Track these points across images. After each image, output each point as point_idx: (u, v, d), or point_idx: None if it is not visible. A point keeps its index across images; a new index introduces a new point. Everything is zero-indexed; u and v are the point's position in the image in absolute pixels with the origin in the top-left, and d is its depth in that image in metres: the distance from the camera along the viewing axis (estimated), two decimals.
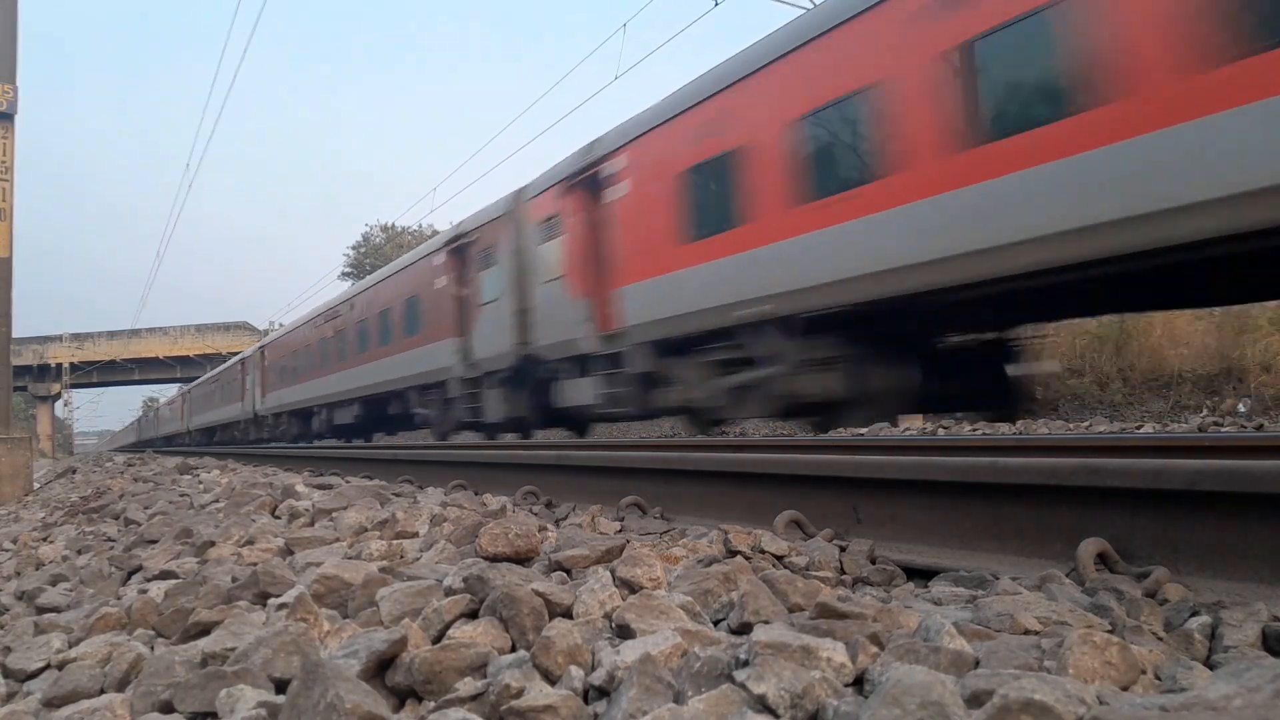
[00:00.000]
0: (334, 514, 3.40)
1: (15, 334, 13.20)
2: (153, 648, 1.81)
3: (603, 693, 1.29)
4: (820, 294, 7.68)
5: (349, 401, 19.76)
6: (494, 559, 2.14)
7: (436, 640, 1.58)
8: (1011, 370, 8.91)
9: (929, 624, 1.41)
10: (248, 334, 49.61)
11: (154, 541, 3.45)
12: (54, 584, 2.84)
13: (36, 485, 13.08)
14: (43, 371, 51.71)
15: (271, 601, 1.91)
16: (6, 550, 4.51)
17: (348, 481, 5.51)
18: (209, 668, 1.48)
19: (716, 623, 1.68)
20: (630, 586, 1.84)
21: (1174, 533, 1.92)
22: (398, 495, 4.54)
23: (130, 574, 2.87)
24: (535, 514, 3.77)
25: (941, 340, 9.01)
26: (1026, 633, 1.50)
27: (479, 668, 1.40)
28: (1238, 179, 4.93)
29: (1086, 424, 11.49)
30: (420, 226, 42.93)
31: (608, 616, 1.64)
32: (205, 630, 1.79)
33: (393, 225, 50.80)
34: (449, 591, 1.82)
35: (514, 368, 12.60)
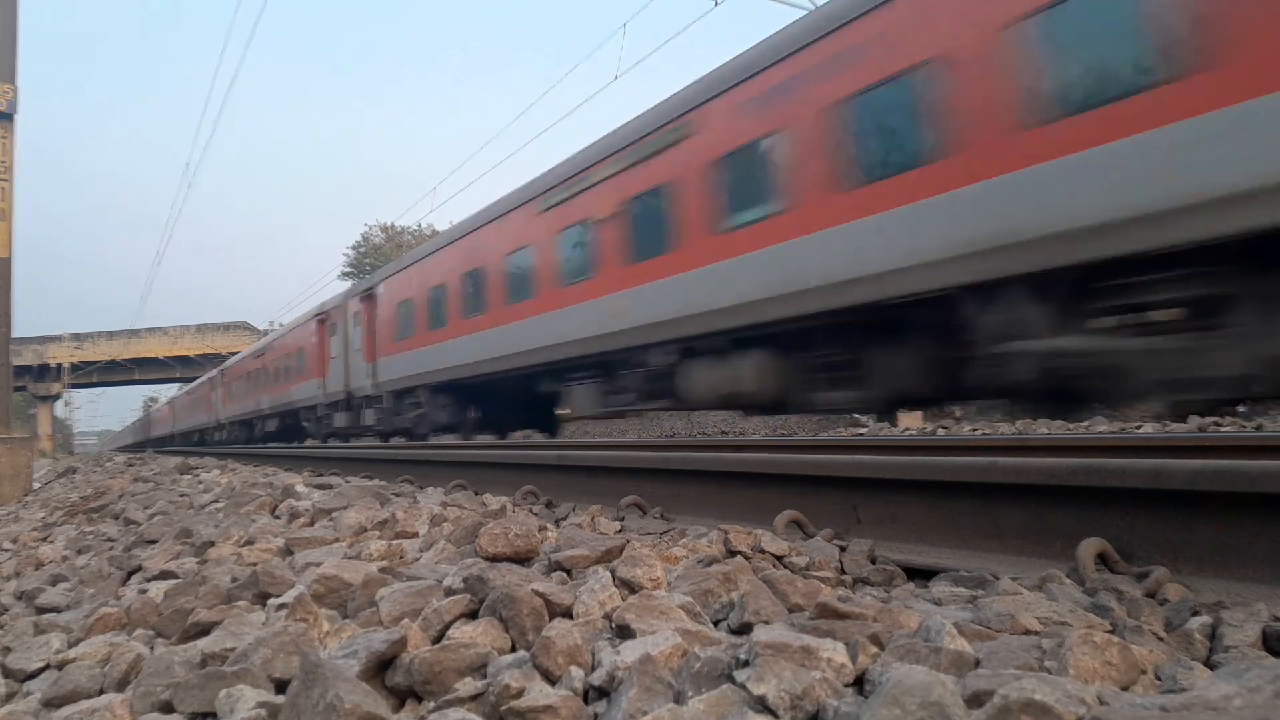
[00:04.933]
0: (334, 514, 3.40)
1: (15, 334, 13.20)
2: (152, 648, 1.81)
3: (603, 693, 1.29)
4: None
5: (587, 361, 9.74)
6: (494, 559, 2.14)
7: (436, 640, 1.58)
8: None
9: (929, 624, 1.41)
10: (248, 334, 49.61)
11: (154, 541, 3.45)
12: (54, 584, 2.84)
13: (36, 485, 13.08)
14: (43, 371, 51.73)
15: (271, 601, 1.91)
16: (6, 550, 4.51)
17: (348, 481, 5.51)
18: (209, 668, 1.48)
19: (716, 623, 1.68)
20: (630, 586, 1.84)
21: (1174, 533, 1.92)
22: (398, 495, 4.54)
23: (130, 574, 2.87)
24: (535, 514, 3.77)
25: None
26: (1027, 633, 1.50)
27: (479, 668, 1.40)
28: None
29: (1086, 424, 11.51)
30: (420, 226, 42.96)
31: (608, 617, 1.63)
32: (205, 630, 1.79)
33: (392, 225, 50.88)
34: (449, 592, 1.81)
35: None
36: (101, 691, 1.58)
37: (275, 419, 24.67)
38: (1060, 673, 1.22)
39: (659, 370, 9.03)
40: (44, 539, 4.59)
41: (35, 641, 1.93)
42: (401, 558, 2.53)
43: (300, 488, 4.76)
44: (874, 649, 1.32)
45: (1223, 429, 10.11)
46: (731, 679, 1.20)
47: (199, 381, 39.29)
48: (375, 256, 47.57)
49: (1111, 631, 1.53)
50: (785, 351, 7.70)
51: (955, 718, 1.00)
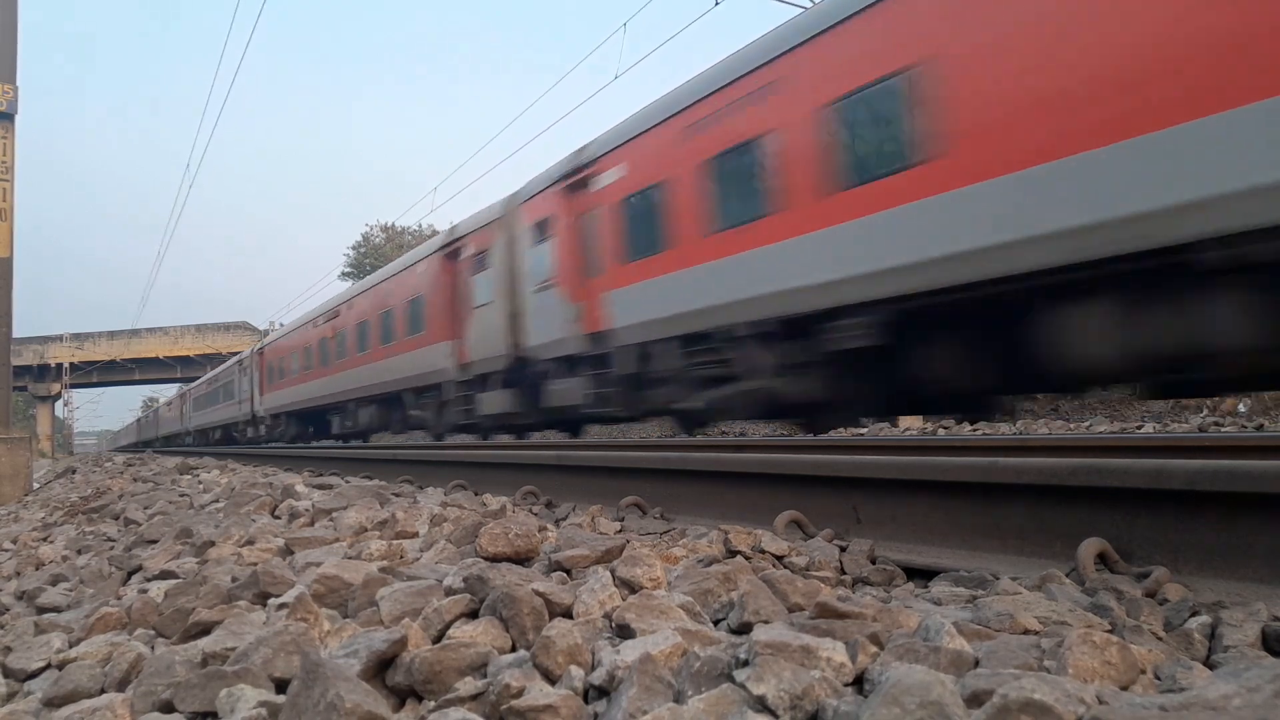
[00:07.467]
0: (334, 514, 3.40)
1: (15, 334, 13.19)
2: (153, 647, 1.82)
3: (603, 692, 1.29)
4: None
5: None
6: (494, 559, 2.14)
7: (437, 640, 1.58)
8: None
9: (929, 624, 1.41)
10: (248, 334, 49.60)
11: (154, 541, 3.45)
12: (54, 584, 2.84)
13: (36, 485, 13.08)
14: (43, 371, 51.73)
15: (271, 601, 1.91)
16: (6, 550, 4.51)
17: (347, 481, 5.51)
18: (209, 667, 1.48)
19: (716, 622, 1.68)
20: (630, 586, 1.84)
21: (1174, 533, 1.92)
22: (398, 495, 4.54)
23: (130, 574, 2.87)
24: (535, 514, 3.77)
25: None
26: (1026, 632, 1.50)
27: (479, 667, 1.40)
28: None
29: (1087, 424, 11.51)
30: (420, 226, 42.95)
31: (608, 616, 1.64)
32: (205, 630, 1.79)
33: (393, 225, 50.90)
34: (449, 591, 1.82)
35: None
36: (102, 691, 1.58)
37: (350, 409, 18.33)
38: (1059, 672, 1.22)
39: None
40: (44, 539, 4.59)
41: (36, 641, 1.93)
42: (402, 558, 2.53)
43: (300, 488, 4.76)
44: (873, 648, 1.32)
45: (1223, 429, 10.11)
46: (731, 678, 1.21)
47: (225, 366, 31.96)
48: (375, 257, 47.56)
49: (1111, 631, 1.53)
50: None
51: (954, 717, 1.00)
